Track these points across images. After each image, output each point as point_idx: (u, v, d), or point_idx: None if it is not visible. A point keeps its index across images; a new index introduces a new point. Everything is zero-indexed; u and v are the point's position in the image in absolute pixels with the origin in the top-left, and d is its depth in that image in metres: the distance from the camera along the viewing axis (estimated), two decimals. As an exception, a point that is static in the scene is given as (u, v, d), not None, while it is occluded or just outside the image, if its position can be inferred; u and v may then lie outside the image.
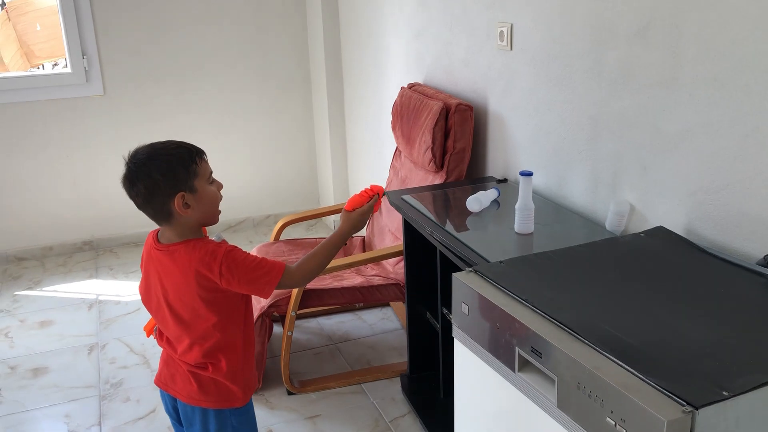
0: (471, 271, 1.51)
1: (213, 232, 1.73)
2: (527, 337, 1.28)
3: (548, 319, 1.28)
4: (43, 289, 3.69)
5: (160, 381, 1.78)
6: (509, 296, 1.39)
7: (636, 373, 1.10)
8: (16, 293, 3.64)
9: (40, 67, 4.31)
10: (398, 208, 2.27)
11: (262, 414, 2.53)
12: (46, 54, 4.18)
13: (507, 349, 1.35)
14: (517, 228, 1.95)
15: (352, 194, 4.30)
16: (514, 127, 2.42)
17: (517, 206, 1.93)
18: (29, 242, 4.05)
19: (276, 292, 2.55)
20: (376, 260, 2.65)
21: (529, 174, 1.91)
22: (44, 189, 4.00)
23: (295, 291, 2.52)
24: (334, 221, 4.31)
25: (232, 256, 1.61)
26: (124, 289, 3.63)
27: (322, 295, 2.63)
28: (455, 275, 1.51)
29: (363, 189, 1.90)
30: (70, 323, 3.27)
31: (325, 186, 4.45)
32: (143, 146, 1.60)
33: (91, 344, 3.07)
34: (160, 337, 1.76)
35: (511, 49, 2.36)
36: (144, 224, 1.73)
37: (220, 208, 1.69)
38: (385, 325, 3.15)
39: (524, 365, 1.31)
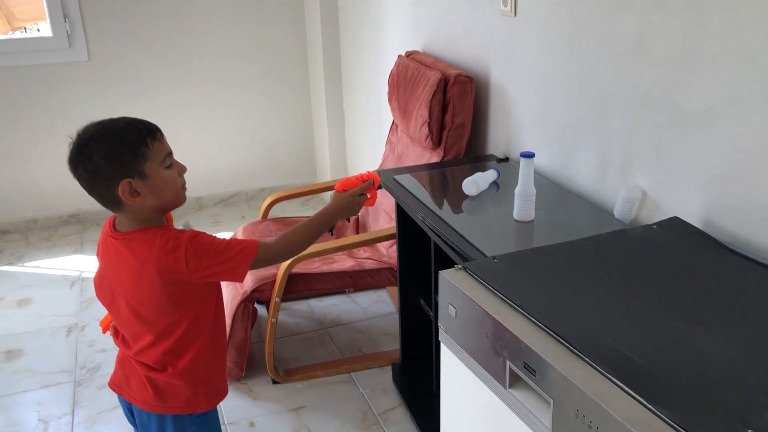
0: (460, 268, 1.34)
1: (180, 218, 1.56)
2: (520, 351, 1.11)
3: (545, 330, 1.11)
4: (25, 264, 3.54)
5: (114, 384, 1.62)
6: (502, 300, 1.21)
7: (645, 402, 0.93)
8: (-3, 268, 3.50)
9: (24, 30, 4.11)
10: (390, 190, 2.09)
11: (244, 404, 2.39)
12: (29, 17, 3.97)
13: (497, 361, 1.18)
14: (516, 215, 1.76)
15: (349, 169, 4.14)
16: (518, 101, 2.22)
17: (516, 191, 1.75)
18: (12, 215, 3.89)
19: (259, 275, 2.40)
20: (368, 243, 2.47)
21: (530, 155, 1.72)
22: (27, 159, 3.83)
23: (279, 275, 2.36)
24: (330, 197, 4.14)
25: (198, 240, 1.44)
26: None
27: (309, 279, 2.46)
28: (442, 273, 1.33)
29: (358, 174, 1.75)
30: (50, 302, 3.13)
31: (322, 159, 4.27)
32: (91, 123, 1.42)
33: (70, 325, 2.93)
34: (116, 334, 1.59)
35: (515, 15, 2.15)
36: None
37: (186, 187, 1.51)
38: (379, 308, 3.00)
39: (516, 381, 1.15)
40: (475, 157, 2.43)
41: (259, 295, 2.42)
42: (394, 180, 2.11)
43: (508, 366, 1.14)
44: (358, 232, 2.91)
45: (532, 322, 1.14)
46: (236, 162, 4.26)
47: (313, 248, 2.41)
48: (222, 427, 2.28)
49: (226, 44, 3.99)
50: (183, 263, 1.41)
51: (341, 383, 2.50)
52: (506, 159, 2.27)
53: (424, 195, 2.00)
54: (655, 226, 1.50)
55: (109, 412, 2.37)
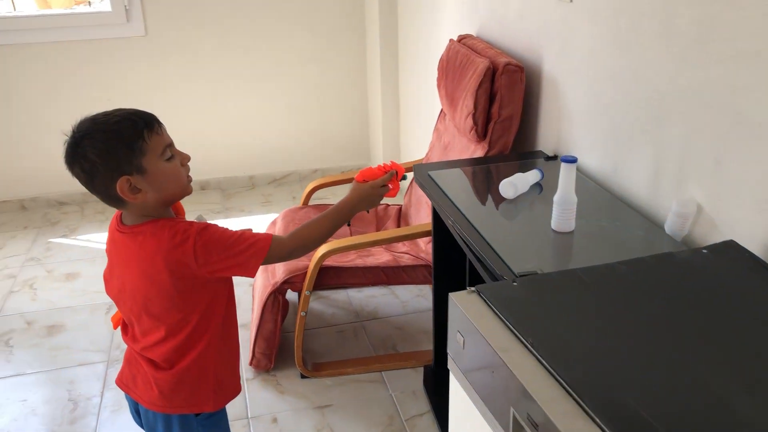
0: (473, 291, 1.20)
1: (196, 210, 1.48)
2: (523, 399, 0.97)
3: (554, 377, 0.97)
4: (78, 237, 3.59)
5: (121, 382, 1.57)
6: (512, 334, 1.08)
7: (657, 483, 0.79)
8: (50, 240, 3.56)
9: (89, 4, 4.13)
10: (422, 187, 1.96)
11: (270, 398, 2.33)
12: (91, -9, 4.00)
13: (502, 404, 1.05)
14: (554, 225, 1.60)
15: (402, 153, 4.01)
16: (570, 95, 2.04)
17: (555, 199, 1.59)
18: (70, 187, 3.94)
19: (290, 267, 2.33)
20: (406, 239, 2.35)
21: (572, 161, 1.55)
22: (84, 133, 3.86)
23: (310, 267, 2.27)
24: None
25: (207, 233, 1.37)
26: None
27: (341, 273, 2.37)
28: (452, 296, 1.20)
29: (380, 164, 1.64)
30: (95, 277, 3.15)
31: (376, 142, 4.15)
32: (85, 119, 1.34)
33: (110, 302, 2.94)
34: (125, 331, 1.54)
35: (570, 1, 1.96)
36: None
37: (191, 176, 1.44)
38: (419, 303, 2.88)
39: (520, 430, 1.01)
40: (522, 153, 2.26)
41: (289, 286, 2.34)
42: (429, 177, 1.97)
43: (512, 413, 1.01)
44: (399, 225, 2.79)
45: (542, 364, 1.00)
46: (289, 141, 4.19)
47: (348, 241, 2.32)
48: (244, 421, 2.23)
49: (283, 21, 3.90)
50: (191, 257, 1.35)
51: (371, 382, 2.40)
52: (554, 157, 2.09)
53: (457, 195, 1.85)
54: (705, 251, 1.32)
55: (136, 396, 2.35)
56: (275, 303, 2.35)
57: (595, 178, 1.92)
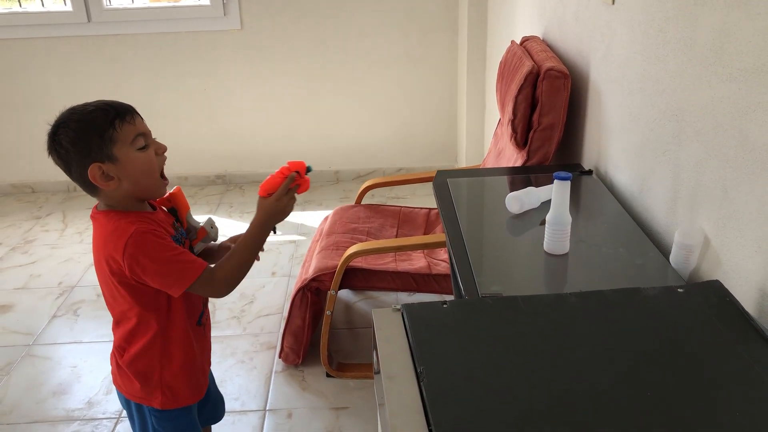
0: (398, 309, 1.13)
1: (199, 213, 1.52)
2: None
3: (424, 413, 0.89)
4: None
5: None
6: (410, 360, 1.00)
7: None
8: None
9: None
10: (435, 194, 1.88)
11: (291, 393, 2.34)
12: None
13: (385, 434, 0.97)
14: (546, 246, 1.48)
15: (485, 154, 3.88)
16: (608, 105, 1.88)
17: (547, 218, 1.46)
18: (168, 170, 4.17)
19: (320, 265, 2.32)
20: (421, 248, 2.28)
21: (565, 178, 1.42)
22: (181, 120, 4.08)
23: (338, 267, 2.25)
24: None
25: (144, 239, 1.36)
26: (231, 229, 3.61)
27: (370, 276, 2.32)
28: (374, 312, 1.14)
29: (280, 167, 1.52)
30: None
31: (462, 143, 4.05)
32: (65, 110, 1.40)
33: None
34: None
35: (612, 3, 1.80)
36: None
37: (165, 174, 1.46)
38: (467, 313, 2.77)
39: (394, 465, 0.94)
40: (561, 165, 2.11)
41: (318, 284, 2.33)
42: (445, 184, 1.89)
43: (386, 444, 0.94)
44: (447, 231, 2.70)
45: (421, 397, 0.92)
46: (376, 139, 4.19)
47: (375, 244, 2.28)
48: (261, 412, 2.26)
49: (375, 18, 3.90)
50: (120, 254, 1.35)
51: (394, 390, 2.34)
52: (590, 172, 1.93)
53: (465, 206, 1.76)
54: (681, 290, 1.16)
55: (170, 375, 2.45)
56: (303, 299, 2.35)
57: (623, 197, 1.76)
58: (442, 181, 1.92)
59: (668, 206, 1.52)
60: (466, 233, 1.59)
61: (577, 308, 1.12)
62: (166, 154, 1.47)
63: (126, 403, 1.56)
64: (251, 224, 1.50)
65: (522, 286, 1.39)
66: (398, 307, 1.13)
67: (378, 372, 1.07)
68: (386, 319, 1.11)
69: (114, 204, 1.42)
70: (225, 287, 1.45)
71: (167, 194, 1.54)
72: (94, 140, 1.35)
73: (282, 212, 1.49)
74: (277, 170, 1.52)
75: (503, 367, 0.98)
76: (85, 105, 1.39)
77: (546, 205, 1.71)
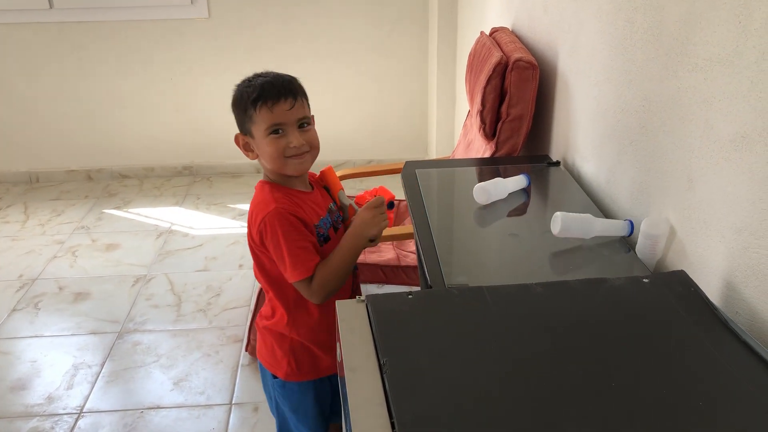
0: (362, 301, 1.11)
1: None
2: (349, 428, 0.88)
3: (387, 404, 0.87)
4: (129, 210, 3.73)
5: None
6: (374, 353, 0.98)
7: None
8: (104, 211, 3.72)
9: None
10: (404, 185, 1.86)
11: (257, 387, 2.31)
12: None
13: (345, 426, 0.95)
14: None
15: (456, 145, 3.88)
16: (576, 97, 1.87)
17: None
18: (132, 161, 4.11)
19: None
20: (390, 239, 2.26)
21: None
22: (148, 109, 4.00)
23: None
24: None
25: (276, 223, 1.40)
26: (198, 221, 3.56)
27: (338, 268, 2.30)
28: (338, 303, 1.12)
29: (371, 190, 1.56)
30: (133, 250, 3.26)
31: (432, 135, 4.04)
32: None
33: (138, 276, 3.02)
34: None
35: (580, -7, 1.80)
36: (241, 156, 1.56)
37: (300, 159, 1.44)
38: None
39: (356, 458, 0.92)
40: (529, 156, 2.11)
41: (285, 277, 2.30)
42: (414, 175, 1.87)
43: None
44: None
45: (384, 389, 0.90)
46: (346, 130, 4.16)
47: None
48: (227, 406, 2.22)
49: (345, 8, 3.86)
50: (256, 227, 1.42)
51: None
52: (557, 163, 1.93)
53: (432, 196, 1.75)
54: (646, 280, 1.16)
55: (133, 370, 2.40)
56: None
57: (589, 188, 1.76)
58: (410, 172, 1.90)
59: (634, 196, 1.52)
60: (433, 224, 1.57)
61: (543, 298, 1.11)
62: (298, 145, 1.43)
63: (261, 371, 1.66)
64: (346, 233, 1.50)
65: (489, 277, 1.37)
66: (362, 298, 1.11)
67: (341, 364, 1.05)
68: (350, 311, 1.09)
69: (268, 174, 1.49)
70: (319, 295, 1.45)
71: (319, 173, 1.59)
72: (239, 113, 1.45)
73: (370, 224, 1.47)
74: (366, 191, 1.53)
75: (468, 359, 0.97)
76: (259, 75, 1.44)
77: (513, 196, 1.71)
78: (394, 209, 1.49)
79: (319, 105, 4.06)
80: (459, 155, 2.57)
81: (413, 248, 2.47)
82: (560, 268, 1.40)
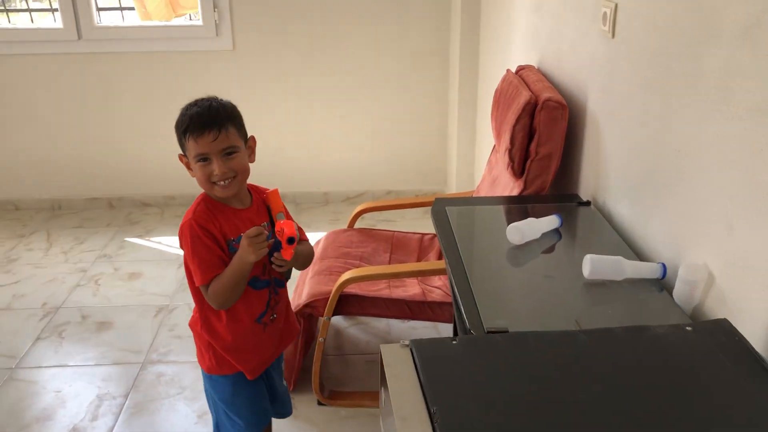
0: (406, 345, 1.12)
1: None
2: (403, 476, 0.88)
3: (439, 456, 0.87)
4: (151, 239, 3.75)
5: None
6: (422, 399, 0.98)
7: None
8: (126, 239, 3.74)
9: (189, 17, 4.34)
10: (434, 222, 1.87)
11: (283, 420, 2.30)
12: (190, 4, 4.19)
13: (396, 476, 0.95)
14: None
15: (476, 181, 3.89)
16: (607, 137, 1.89)
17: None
18: (155, 189, 4.14)
19: (313, 291, 2.31)
20: (417, 275, 2.27)
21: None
22: (169, 139, 3.98)
23: (332, 294, 2.23)
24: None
25: (189, 230, 1.56)
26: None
27: (364, 302, 2.30)
28: (383, 348, 1.12)
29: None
30: (155, 279, 3.27)
31: (452, 169, 4.06)
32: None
33: (161, 306, 3.03)
34: None
35: (612, 36, 1.82)
36: (265, 184, 1.71)
37: (223, 185, 1.57)
38: (458, 340, 2.75)
39: None
40: (558, 195, 2.12)
41: (311, 310, 2.31)
42: (444, 212, 1.88)
43: (398, 487, 0.92)
44: (440, 257, 2.69)
45: (436, 440, 0.90)
46: (366, 162, 4.19)
47: (370, 270, 2.27)
48: (251, 440, 2.22)
49: (367, 41, 3.91)
50: (179, 233, 1.60)
51: (387, 418, 2.32)
52: (588, 203, 1.94)
53: (465, 235, 1.76)
54: (689, 328, 1.16)
55: (158, 401, 2.40)
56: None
57: (622, 229, 1.76)
58: (440, 209, 1.91)
59: (669, 239, 1.52)
60: (467, 264, 1.58)
61: (587, 346, 1.11)
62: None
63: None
64: (235, 255, 1.59)
65: (527, 321, 1.38)
66: (406, 342, 1.12)
67: (386, 409, 1.05)
68: (395, 356, 1.09)
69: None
70: (214, 302, 1.61)
71: (264, 193, 1.70)
72: (179, 136, 1.59)
73: (248, 251, 1.53)
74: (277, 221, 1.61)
75: (516, 408, 0.97)
76: (195, 103, 1.59)
77: (546, 236, 1.72)
78: (294, 245, 1.56)
79: (339, 135, 4.13)
80: (484, 191, 2.58)
81: (438, 283, 2.47)
82: (598, 312, 1.40)
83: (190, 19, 4.29)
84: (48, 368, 2.61)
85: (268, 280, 1.68)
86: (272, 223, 1.66)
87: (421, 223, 3.86)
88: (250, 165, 1.64)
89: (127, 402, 2.41)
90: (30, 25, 3.97)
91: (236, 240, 1.59)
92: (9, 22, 3.98)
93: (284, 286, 1.75)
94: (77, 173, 4.15)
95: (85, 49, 3.84)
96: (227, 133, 1.54)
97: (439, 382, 1.01)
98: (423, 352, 1.08)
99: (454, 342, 1.12)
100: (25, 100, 3.96)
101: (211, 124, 1.52)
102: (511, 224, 1.67)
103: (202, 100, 1.59)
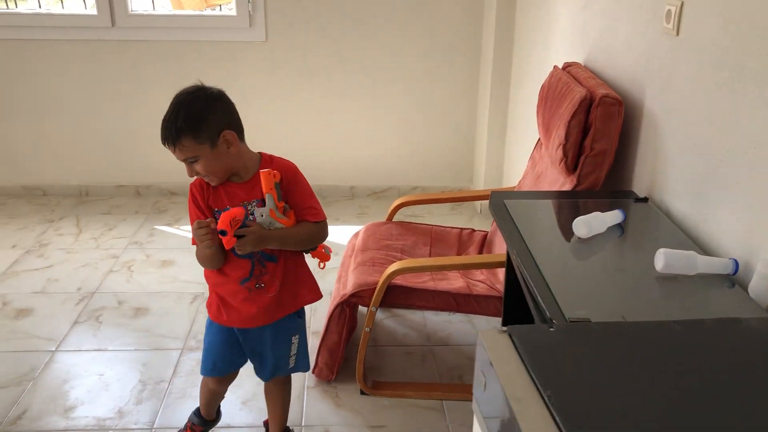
0: (504, 331, 1.13)
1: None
2: (525, 456, 0.90)
3: (562, 436, 0.89)
4: (181, 227, 3.76)
5: None
6: (532, 383, 1.00)
7: None
8: (155, 227, 3.75)
9: (218, 8, 4.35)
10: (494, 215, 1.89)
11: (326, 409, 2.32)
12: (223, -5, 4.20)
13: (508, 457, 0.97)
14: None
15: (504, 179, 3.91)
16: (667, 134, 1.90)
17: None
18: (182, 178, 4.13)
19: (360, 281, 2.33)
20: (470, 267, 2.28)
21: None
22: (200, 129, 4.05)
23: (379, 284, 2.25)
24: (481, 205, 3.95)
25: (191, 191, 1.81)
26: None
27: (410, 294, 2.32)
28: (480, 333, 1.14)
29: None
30: (188, 267, 3.28)
31: (480, 165, 4.07)
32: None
33: (196, 293, 3.05)
34: None
35: (677, 34, 1.83)
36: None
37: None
38: (495, 335, 2.77)
39: (522, 488, 0.93)
40: (612, 191, 2.13)
41: (358, 300, 2.32)
42: (503, 205, 1.89)
43: (515, 467, 0.93)
44: (481, 251, 2.71)
45: (555, 421, 0.92)
46: (393, 156, 4.20)
47: (418, 262, 2.28)
48: (298, 428, 2.23)
49: (398, 36, 3.92)
50: None
51: (429, 409, 2.33)
52: (645, 199, 1.95)
53: (528, 228, 1.77)
54: (780, 321, 1.17)
55: (196, 385, 2.41)
56: (341, 315, 2.34)
57: (683, 226, 1.78)
58: (499, 202, 1.92)
59: (742, 237, 1.53)
60: (535, 255, 1.60)
61: (683, 337, 1.13)
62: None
63: None
64: None
65: (606, 311, 1.39)
66: (504, 328, 1.13)
67: (490, 393, 1.07)
68: (495, 341, 1.11)
69: None
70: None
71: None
72: None
73: (195, 238, 1.73)
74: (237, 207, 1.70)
75: (623, 393, 0.98)
76: (175, 98, 1.75)
77: (609, 230, 1.73)
78: (227, 236, 1.65)
79: (367, 130, 4.14)
80: (527, 186, 2.59)
81: (481, 277, 2.49)
82: (674, 303, 1.42)
83: (220, 10, 4.30)
84: (88, 351, 2.63)
85: (251, 252, 1.75)
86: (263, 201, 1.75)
87: (449, 219, 3.87)
88: (262, 151, 1.85)
89: (170, 387, 2.42)
90: (63, 11, 3.97)
91: (219, 211, 1.73)
92: (39, 7, 3.98)
93: (275, 261, 1.82)
94: (105, 160, 4.16)
95: (119, 36, 3.85)
96: (182, 146, 1.66)
97: (544, 367, 1.02)
98: (523, 338, 1.10)
99: (551, 329, 1.13)
100: (55, 86, 3.97)
101: (165, 139, 1.67)
102: (578, 217, 1.68)
103: (171, 104, 1.70)
